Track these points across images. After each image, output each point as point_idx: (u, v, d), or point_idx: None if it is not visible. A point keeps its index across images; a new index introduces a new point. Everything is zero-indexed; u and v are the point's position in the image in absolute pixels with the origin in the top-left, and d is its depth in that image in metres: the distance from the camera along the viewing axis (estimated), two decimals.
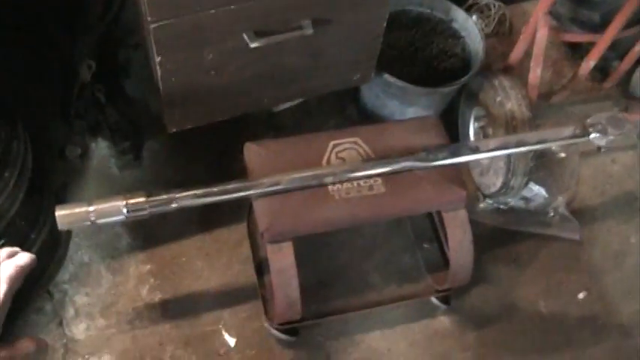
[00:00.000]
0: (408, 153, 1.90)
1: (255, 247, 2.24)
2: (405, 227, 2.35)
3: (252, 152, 1.91)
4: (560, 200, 2.47)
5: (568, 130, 2.04)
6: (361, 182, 1.86)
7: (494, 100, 2.22)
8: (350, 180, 1.86)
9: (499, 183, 2.29)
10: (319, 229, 1.86)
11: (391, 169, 1.87)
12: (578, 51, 2.81)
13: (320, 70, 2.07)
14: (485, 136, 2.38)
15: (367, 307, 2.15)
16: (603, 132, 2.01)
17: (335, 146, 1.92)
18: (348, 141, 1.93)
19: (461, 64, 2.45)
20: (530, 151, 2.19)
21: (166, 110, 1.94)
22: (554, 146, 2.04)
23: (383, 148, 1.92)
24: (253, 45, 1.79)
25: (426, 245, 2.27)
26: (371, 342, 2.20)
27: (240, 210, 2.29)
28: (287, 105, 2.43)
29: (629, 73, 2.72)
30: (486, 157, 2.08)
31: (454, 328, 2.25)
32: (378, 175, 1.87)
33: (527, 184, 2.41)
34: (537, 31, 2.24)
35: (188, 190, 1.75)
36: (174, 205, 1.72)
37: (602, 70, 2.80)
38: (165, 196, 1.72)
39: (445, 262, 2.19)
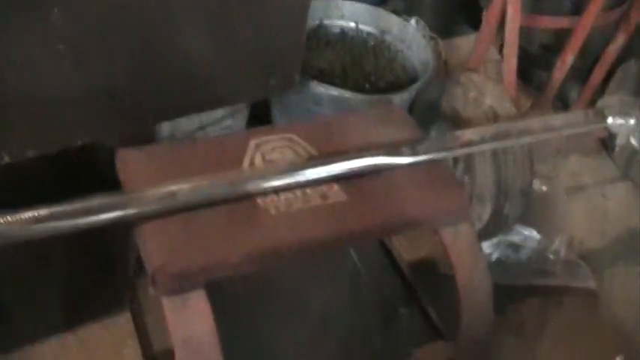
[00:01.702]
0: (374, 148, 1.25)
1: (145, 338, 1.46)
2: (368, 293, 1.63)
3: (130, 161, 1.20)
4: (560, 241, 1.85)
5: (578, 115, 1.47)
6: (308, 190, 1.18)
7: (467, 98, 1.63)
8: (290, 188, 1.17)
9: (487, 214, 1.65)
10: (248, 266, 1.12)
11: (354, 167, 1.21)
12: (529, 79, 2.34)
13: (225, 65, 1.44)
14: (455, 160, 1.78)
15: None
16: (623, 115, 1.46)
17: (259, 146, 1.25)
18: (280, 137, 1.28)
19: (406, 78, 1.89)
20: (530, 163, 1.60)
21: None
22: (565, 133, 1.45)
23: (333, 145, 1.27)
24: None
25: (402, 311, 1.57)
26: None
27: (122, 292, 1.53)
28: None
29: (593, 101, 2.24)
30: (486, 148, 1.44)
31: None
32: (334, 178, 1.20)
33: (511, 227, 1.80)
34: (508, 14, 1.72)
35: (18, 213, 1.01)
36: None
37: (562, 101, 2.32)
38: None
39: (435, 330, 1.49)
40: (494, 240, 1.81)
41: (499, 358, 1.64)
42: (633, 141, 2.15)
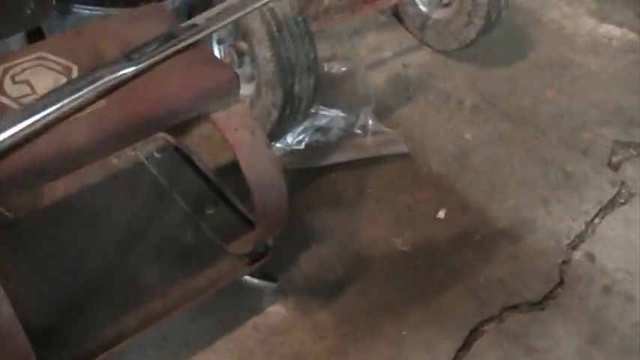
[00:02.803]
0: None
1: None
2: (173, 201, 1.56)
3: None
4: (365, 113, 1.84)
5: None
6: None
7: None
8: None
9: (279, 97, 1.60)
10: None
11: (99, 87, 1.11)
12: None
13: None
14: (240, 55, 1.72)
15: (153, 324, 1.30)
16: None
17: (7, 70, 1.14)
18: (29, 58, 1.17)
19: None
20: (310, 38, 1.56)
21: None
22: None
23: (89, 52, 1.17)
24: None
25: (209, 211, 1.50)
26: None
27: None
28: None
29: None
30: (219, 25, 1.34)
31: (296, 315, 1.48)
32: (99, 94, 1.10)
33: (312, 110, 1.77)
34: None
35: None
36: None
37: None
38: None
39: (244, 219, 1.45)
40: (301, 127, 1.79)
41: (326, 232, 1.64)
42: (422, 7, 2.18)
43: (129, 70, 1.14)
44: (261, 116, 1.67)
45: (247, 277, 1.45)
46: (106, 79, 1.11)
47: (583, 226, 1.71)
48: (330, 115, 1.82)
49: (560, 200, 1.76)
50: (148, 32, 1.23)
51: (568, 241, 1.67)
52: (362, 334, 1.45)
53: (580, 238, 1.68)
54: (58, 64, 1.17)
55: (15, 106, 1.08)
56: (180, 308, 1.32)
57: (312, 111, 1.78)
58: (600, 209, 1.76)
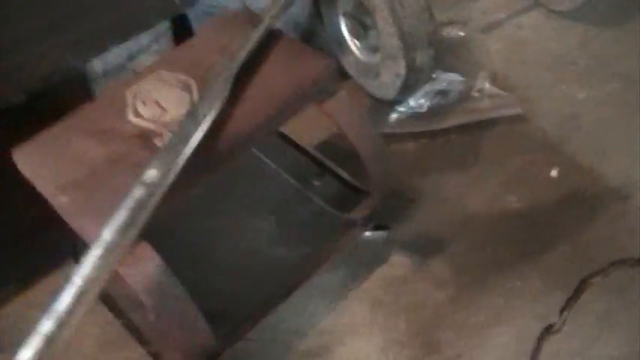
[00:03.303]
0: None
1: None
2: (280, 179, 1.74)
3: (30, 158, 1.29)
4: (482, 77, 1.97)
5: None
6: None
7: None
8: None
9: (402, 69, 1.76)
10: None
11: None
12: None
13: None
14: (365, 29, 1.86)
15: (292, 293, 1.52)
16: None
17: (136, 95, 1.33)
18: (150, 79, 1.36)
19: None
20: (429, 12, 1.69)
21: None
22: None
23: (197, 64, 1.36)
24: None
25: (316, 183, 1.68)
26: (321, 324, 1.58)
27: None
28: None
29: None
30: None
31: (415, 267, 1.66)
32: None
33: (433, 75, 1.90)
34: None
35: None
36: None
37: None
38: None
39: (352, 187, 1.64)
40: (422, 91, 1.93)
41: (443, 191, 1.80)
42: None
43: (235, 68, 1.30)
44: (386, 85, 1.83)
45: (368, 234, 1.63)
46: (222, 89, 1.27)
47: None
48: (448, 79, 1.95)
49: None
50: (239, 33, 1.38)
51: None
52: (476, 285, 1.62)
53: None
54: (177, 80, 1.34)
55: (154, 127, 1.26)
56: (312, 275, 1.52)
57: (433, 76, 1.92)
58: None
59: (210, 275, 1.54)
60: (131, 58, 1.87)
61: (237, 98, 1.29)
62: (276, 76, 1.33)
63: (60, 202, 1.18)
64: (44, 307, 1.03)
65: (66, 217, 1.19)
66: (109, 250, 1.07)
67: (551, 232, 1.71)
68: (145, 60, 1.85)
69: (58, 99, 1.56)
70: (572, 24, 2.20)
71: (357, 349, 1.54)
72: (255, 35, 1.35)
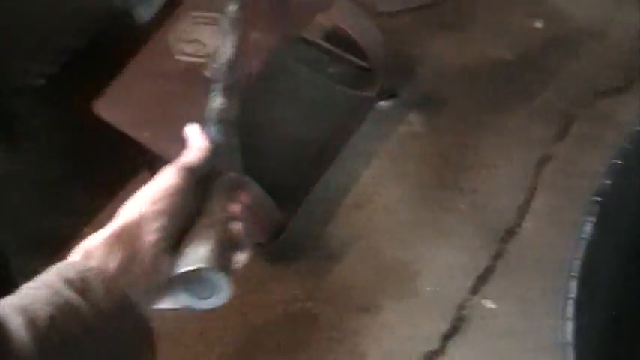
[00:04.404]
0: None
1: None
2: (302, 73, 2.00)
3: (112, 107, 1.58)
4: None
5: None
6: None
7: None
8: None
9: None
10: None
11: None
12: None
13: None
14: None
15: (333, 158, 1.87)
16: None
17: (178, 36, 1.61)
18: (186, 22, 1.62)
19: None
20: None
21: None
22: None
23: None
24: None
25: (331, 70, 1.97)
26: (360, 180, 1.94)
27: None
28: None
29: None
30: None
31: (425, 121, 2.00)
32: None
33: None
34: None
35: None
36: None
37: None
38: None
39: (361, 68, 1.95)
40: None
41: (435, 52, 2.09)
42: None
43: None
44: None
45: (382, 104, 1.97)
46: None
47: None
48: None
49: None
50: None
51: None
52: (479, 129, 1.96)
53: None
54: (210, 17, 1.61)
55: (199, 60, 1.53)
56: (344, 144, 1.88)
57: None
58: None
59: (261, 160, 1.89)
60: None
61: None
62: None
63: (144, 137, 1.53)
64: None
65: (152, 147, 1.54)
66: None
67: (539, 76, 2.03)
68: None
69: (112, 43, 1.84)
70: None
71: (391, 195, 1.91)
72: None
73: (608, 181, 1.04)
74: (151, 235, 0.67)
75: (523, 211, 1.83)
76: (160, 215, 0.69)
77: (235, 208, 0.76)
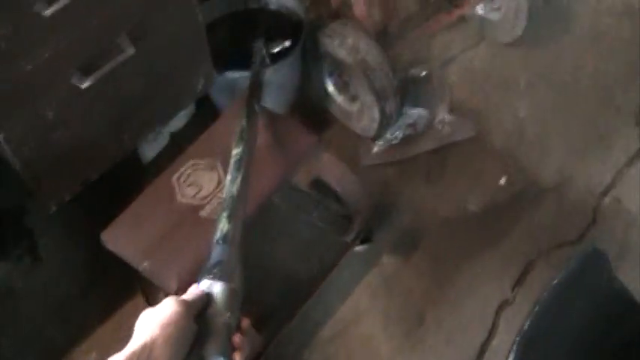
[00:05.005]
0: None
1: None
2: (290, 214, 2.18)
3: (117, 239, 1.78)
4: (442, 109, 2.49)
5: None
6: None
7: (333, 45, 2.24)
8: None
9: (377, 115, 2.30)
10: None
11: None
12: None
13: (162, 86, 2.03)
14: (346, 84, 2.40)
15: (311, 293, 2.04)
16: None
17: (179, 179, 1.84)
18: (187, 166, 1.85)
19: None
20: (392, 71, 2.24)
21: (36, 186, 1.84)
22: None
23: (222, 149, 1.77)
24: (84, 85, 1.71)
25: (315, 215, 2.14)
26: (336, 315, 2.14)
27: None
28: (155, 148, 2.37)
29: None
30: None
31: (400, 262, 2.23)
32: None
33: (402, 111, 2.43)
34: None
35: None
36: None
37: None
38: None
39: (342, 215, 2.15)
40: (396, 126, 2.44)
41: (418, 201, 2.34)
42: (480, 11, 2.72)
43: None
44: (366, 127, 2.39)
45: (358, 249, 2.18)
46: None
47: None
48: (416, 114, 2.46)
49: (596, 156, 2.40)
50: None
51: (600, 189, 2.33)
52: (449, 271, 2.18)
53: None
54: (207, 164, 1.83)
55: (196, 202, 1.76)
56: (323, 281, 2.06)
57: (402, 112, 2.45)
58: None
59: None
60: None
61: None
62: (273, 158, 1.82)
63: (144, 266, 1.71)
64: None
65: (150, 277, 1.72)
66: None
67: (503, 226, 2.26)
68: (175, 123, 2.38)
69: (119, 177, 2.07)
70: (515, 50, 2.70)
71: (365, 330, 2.09)
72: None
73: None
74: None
75: (484, 348, 2.03)
76: (169, 339, 0.89)
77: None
